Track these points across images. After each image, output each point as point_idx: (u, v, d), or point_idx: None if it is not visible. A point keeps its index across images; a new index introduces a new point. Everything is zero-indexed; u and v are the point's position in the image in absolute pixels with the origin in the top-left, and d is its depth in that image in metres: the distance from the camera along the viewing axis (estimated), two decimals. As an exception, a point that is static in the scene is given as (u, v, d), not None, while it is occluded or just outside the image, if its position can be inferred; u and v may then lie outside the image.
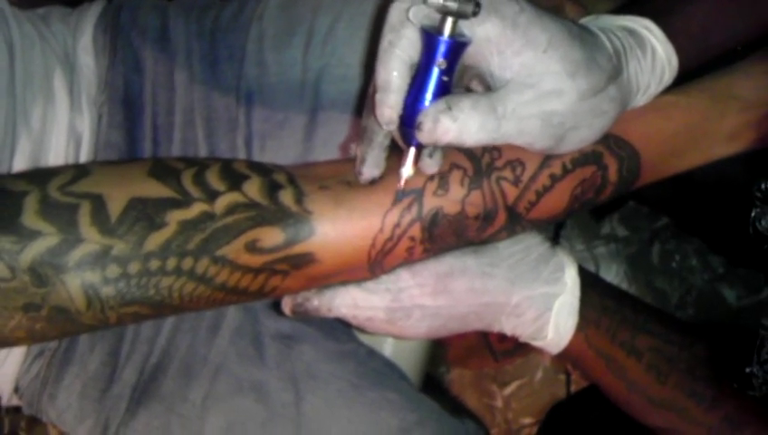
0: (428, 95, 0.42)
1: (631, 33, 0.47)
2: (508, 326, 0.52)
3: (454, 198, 0.46)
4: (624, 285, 1.11)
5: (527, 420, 1.15)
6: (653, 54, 0.47)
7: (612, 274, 1.12)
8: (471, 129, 0.40)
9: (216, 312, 0.66)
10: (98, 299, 0.40)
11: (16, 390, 0.69)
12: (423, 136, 0.41)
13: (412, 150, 0.44)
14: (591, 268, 1.11)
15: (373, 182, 0.45)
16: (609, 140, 0.48)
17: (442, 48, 0.40)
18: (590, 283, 0.54)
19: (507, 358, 1.16)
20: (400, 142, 0.45)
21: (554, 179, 0.47)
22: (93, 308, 0.40)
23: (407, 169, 0.44)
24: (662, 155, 0.51)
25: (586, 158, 0.47)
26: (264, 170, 0.46)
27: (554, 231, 1.14)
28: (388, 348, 0.74)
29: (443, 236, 0.47)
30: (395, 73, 0.42)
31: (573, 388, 1.12)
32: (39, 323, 0.40)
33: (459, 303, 0.50)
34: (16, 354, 0.65)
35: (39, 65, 0.62)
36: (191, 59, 0.66)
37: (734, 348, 0.50)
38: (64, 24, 0.68)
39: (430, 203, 0.46)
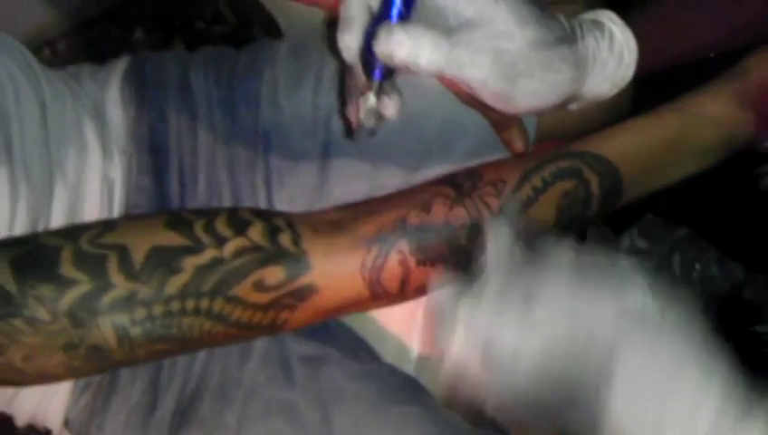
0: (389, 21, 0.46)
1: (591, 19, 0.51)
2: None
3: (437, 215, 0.50)
4: (648, 298, 1.12)
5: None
6: (611, 36, 0.51)
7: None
8: (424, 47, 0.45)
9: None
10: (128, 338, 0.45)
11: (66, 423, 0.73)
12: (379, 47, 0.45)
13: (375, 81, 0.48)
14: (614, 281, 1.13)
15: (372, 133, 0.50)
16: (586, 157, 0.52)
17: None
18: None
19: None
20: (361, 77, 0.49)
21: (537, 192, 0.51)
22: (124, 347, 0.46)
23: (369, 99, 0.49)
24: (640, 170, 0.54)
25: (565, 172, 0.51)
26: (265, 216, 0.51)
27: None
28: (410, 366, 0.77)
29: (432, 246, 0.50)
30: (354, 7, 0.47)
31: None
32: (77, 360, 0.46)
33: None
34: (65, 389, 0.69)
35: (71, 118, 0.67)
36: (211, 104, 0.72)
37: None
38: (93, 81, 0.73)
39: (413, 222, 0.50)
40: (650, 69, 0.53)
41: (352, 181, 0.69)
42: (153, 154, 0.71)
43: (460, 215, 0.50)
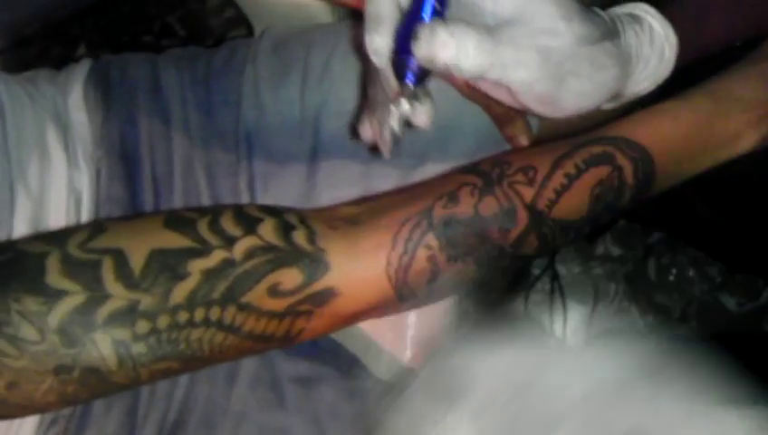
0: (423, 22, 0.42)
1: (628, 13, 0.49)
2: None
3: (465, 206, 0.46)
4: (624, 304, 1.11)
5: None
6: (650, 30, 0.49)
7: (611, 293, 1.12)
8: (468, 47, 0.41)
9: (231, 361, 0.65)
10: (129, 357, 0.39)
11: (29, 463, 0.66)
12: (420, 48, 0.41)
13: (408, 86, 0.44)
14: (590, 290, 1.12)
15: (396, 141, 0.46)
16: (620, 142, 0.49)
17: None
18: None
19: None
20: (392, 82, 0.45)
21: (570, 178, 0.47)
22: (125, 367, 0.40)
23: (403, 106, 0.44)
24: (673, 158, 0.51)
25: (598, 158, 0.48)
26: (275, 212, 0.46)
27: (549, 255, 1.14)
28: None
29: (463, 240, 0.46)
30: (384, 4, 0.43)
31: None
32: (70, 385, 0.39)
33: None
34: (29, 425, 0.63)
35: (31, 124, 0.61)
36: (186, 105, 0.67)
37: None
38: (53, 85, 0.68)
39: (440, 213, 0.46)
40: (680, 64, 0.51)
41: (343, 185, 0.64)
42: (124, 161, 0.65)
43: (490, 205, 0.46)
